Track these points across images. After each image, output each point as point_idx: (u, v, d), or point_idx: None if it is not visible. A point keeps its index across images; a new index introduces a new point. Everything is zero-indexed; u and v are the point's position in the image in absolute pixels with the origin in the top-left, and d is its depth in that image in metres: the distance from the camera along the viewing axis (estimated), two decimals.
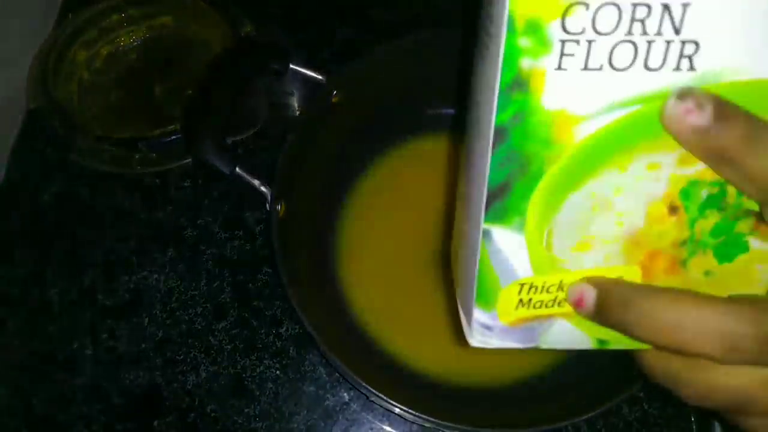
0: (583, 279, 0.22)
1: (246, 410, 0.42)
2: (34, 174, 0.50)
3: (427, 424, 0.35)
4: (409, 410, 0.34)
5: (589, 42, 0.18)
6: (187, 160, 0.50)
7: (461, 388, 0.41)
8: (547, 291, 0.22)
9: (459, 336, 0.24)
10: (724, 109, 0.18)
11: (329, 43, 0.56)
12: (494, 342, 0.24)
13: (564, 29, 0.17)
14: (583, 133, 0.19)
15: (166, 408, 0.42)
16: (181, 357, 0.44)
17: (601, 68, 0.18)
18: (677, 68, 0.18)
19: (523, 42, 0.17)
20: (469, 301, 0.23)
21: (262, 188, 0.40)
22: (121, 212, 0.49)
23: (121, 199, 0.49)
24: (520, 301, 0.22)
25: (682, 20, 0.17)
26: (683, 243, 0.21)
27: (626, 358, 0.38)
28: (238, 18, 0.55)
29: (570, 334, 0.23)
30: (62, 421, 0.42)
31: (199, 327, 0.45)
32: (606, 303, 0.21)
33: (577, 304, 0.22)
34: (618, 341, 0.23)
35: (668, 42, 0.18)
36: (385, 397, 0.34)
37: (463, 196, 0.23)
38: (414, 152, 0.48)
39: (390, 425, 0.42)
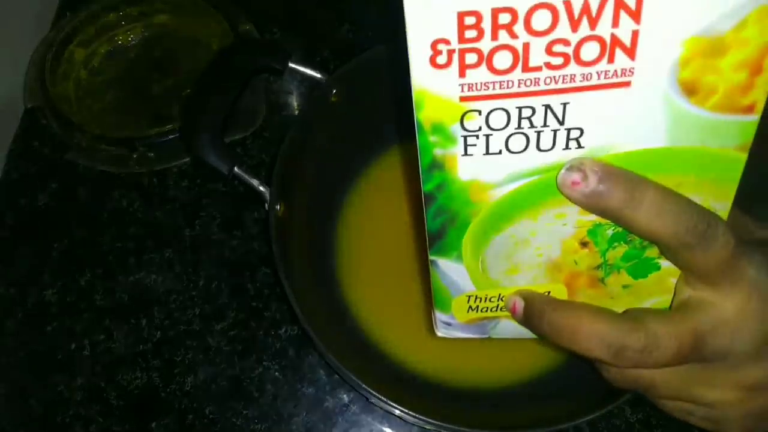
0: (516, 292, 0.26)
1: (245, 412, 0.42)
2: (31, 173, 0.50)
3: (427, 426, 0.35)
4: (409, 412, 0.34)
5: (486, 136, 0.21)
6: (186, 160, 0.50)
7: (461, 390, 0.40)
8: (490, 300, 0.26)
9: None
10: (606, 175, 0.21)
11: (329, 42, 0.56)
12: (455, 333, 0.29)
13: (464, 128, 0.21)
14: (495, 195, 0.22)
15: (164, 410, 0.42)
16: (180, 358, 0.43)
17: (500, 152, 0.21)
18: (566, 147, 0.21)
19: (433, 138, 0.21)
20: (432, 305, 0.28)
21: (261, 188, 0.40)
22: (118, 212, 0.48)
23: (119, 198, 0.49)
24: (470, 306, 0.27)
25: (563, 114, 0.20)
26: (598, 267, 0.24)
27: None
28: (236, 16, 0.54)
29: (514, 328, 0.27)
30: (60, 422, 0.42)
31: (198, 328, 0.44)
32: (528, 312, 0.25)
33: (512, 311, 0.26)
34: None
35: (555, 131, 0.21)
36: (385, 399, 0.34)
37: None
38: (414, 152, 0.48)
39: (390, 427, 0.42)
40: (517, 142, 0.21)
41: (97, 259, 0.47)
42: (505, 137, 0.21)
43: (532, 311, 0.25)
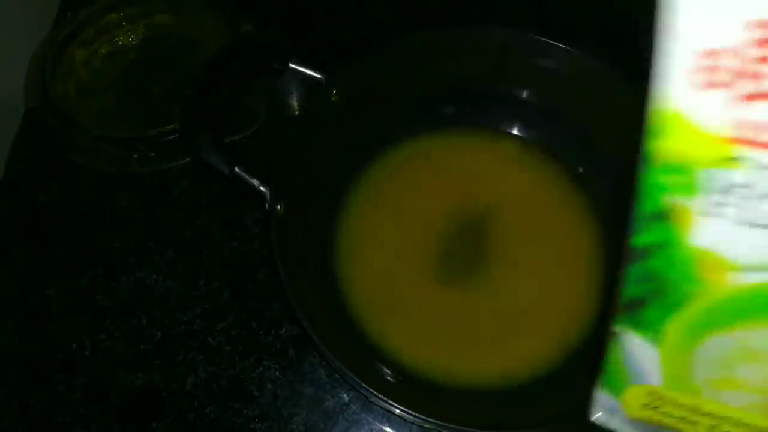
0: None
1: (245, 411, 0.42)
2: (32, 174, 0.50)
3: (427, 425, 0.35)
4: (409, 411, 0.34)
5: (745, 198, 0.16)
6: (186, 160, 0.50)
7: (462, 389, 0.40)
8: (678, 407, 0.20)
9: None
10: None
11: (329, 42, 0.56)
12: (614, 424, 0.22)
13: (718, 179, 0.16)
14: (736, 280, 0.17)
15: (164, 409, 0.42)
16: (180, 358, 0.43)
17: (766, 227, 0.16)
18: None
19: (667, 180, 0.16)
20: (598, 379, 0.22)
21: (261, 188, 0.40)
22: (119, 212, 0.49)
23: (120, 199, 0.49)
24: (647, 404, 0.21)
25: None
26: None
27: None
28: (236, 16, 0.54)
29: None
30: (60, 422, 0.42)
31: (198, 328, 0.44)
32: None
33: None
34: None
35: None
36: (384, 398, 0.34)
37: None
38: (414, 152, 0.48)
39: (390, 426, 0.42)
40: None
41: (98, 258, 0.47)
42: None
43: None
